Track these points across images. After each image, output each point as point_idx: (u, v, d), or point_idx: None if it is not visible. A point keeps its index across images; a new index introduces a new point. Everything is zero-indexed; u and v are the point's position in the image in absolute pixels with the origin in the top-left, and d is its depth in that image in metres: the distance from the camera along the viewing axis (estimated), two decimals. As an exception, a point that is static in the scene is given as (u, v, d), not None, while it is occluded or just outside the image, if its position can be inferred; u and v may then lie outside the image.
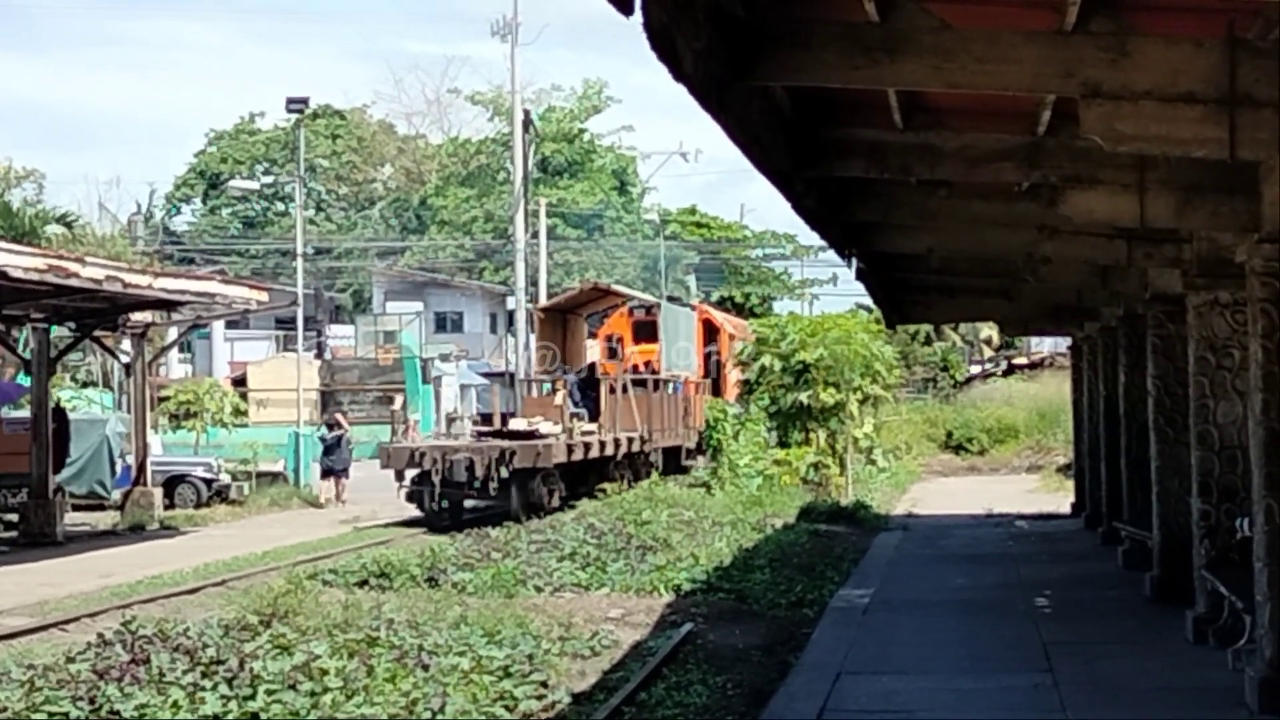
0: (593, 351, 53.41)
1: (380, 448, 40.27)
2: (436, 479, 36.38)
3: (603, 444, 40.28)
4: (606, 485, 38.04)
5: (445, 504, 36.98)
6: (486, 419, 42.32)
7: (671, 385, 46.62)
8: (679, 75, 8.41)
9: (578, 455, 38.54)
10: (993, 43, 10.00)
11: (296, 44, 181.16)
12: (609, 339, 53.22)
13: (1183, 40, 9.95)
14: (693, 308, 59.81)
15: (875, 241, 21.00)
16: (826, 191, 15.94)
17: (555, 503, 36.15)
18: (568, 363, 47.65)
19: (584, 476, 39.00)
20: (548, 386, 45.30)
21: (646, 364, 49.23)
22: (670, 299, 63.47)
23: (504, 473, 35.97)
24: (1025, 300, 27.29)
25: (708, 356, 55.39)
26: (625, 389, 42.94)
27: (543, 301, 57.63)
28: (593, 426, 40.95)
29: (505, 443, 36.96)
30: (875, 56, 10.11)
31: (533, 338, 54.43)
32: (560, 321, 49.89)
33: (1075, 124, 10.95)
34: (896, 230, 20.62)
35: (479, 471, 36.02)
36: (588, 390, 43.22)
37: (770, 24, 10.09)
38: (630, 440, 42.04)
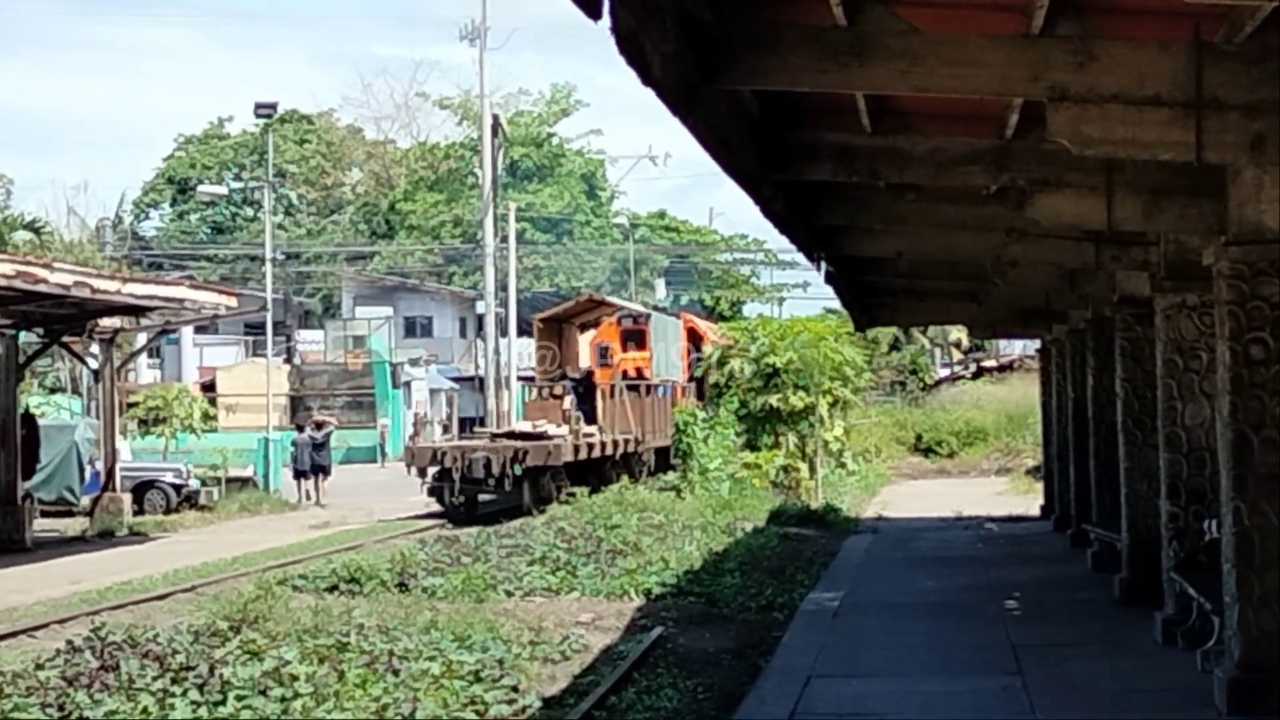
0: (584, 358, 55.85)
1: (405, 448, 45.59)
2: (457, 476, 39.58)
3: (603, 444, 43.72)
4: (614, 482, 40.49)
5: (463, 499, 40.15)
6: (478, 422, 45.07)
7: (661, 389, 49.76)
8: (647, 79, 8.41)
9: (583, 455, 41.83)
10: (960, 46, 10.04)
11: (264, 48, 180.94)
12: (599, 346, 54.96)
13: (1149, 44, 9.99)
14: (678, 316, 62.68)
15: (844, 245, 21.04)
16: (795, 195, 15.97)
17: (563, 498, 37.70)
18: (562, 368, 51.36)
19: (584, 474, 41.28)
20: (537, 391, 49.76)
21: (637, 370, 51.88)
22: (656, 309, 66.70)
23: (517, 470, 39.30)
24: (994, 303, 27.36)
25: (693, 363, 56.26)
26: (620, 393, 46.82)
27: (542, 313, 61.17)
28: (592, 429, 43.95)
29: (519, 443, 40.26)
30: (843, 60, 10.14)
31: (531, 345, 60.56)
32: (557, 330, 54.93)
33: (1043, 127, 10.98)
34: (865, 234, 20.66)
35: (495, 469, 39.29)
36: (585, 394, 46.31)
37: (738, 28, 10.11)
38: (626, 441, 45.45)
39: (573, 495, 36.30)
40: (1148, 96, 9.90)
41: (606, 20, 7.52)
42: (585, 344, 56.17)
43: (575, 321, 56.70)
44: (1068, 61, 9.81)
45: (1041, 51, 9.88)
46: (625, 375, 50.46)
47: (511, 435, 42.15)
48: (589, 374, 49.03)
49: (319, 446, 47.63)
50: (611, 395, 46.75)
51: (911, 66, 10.05)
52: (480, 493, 40.48)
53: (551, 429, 42.00)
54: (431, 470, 40.61)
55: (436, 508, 40.60)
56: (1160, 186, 13.33)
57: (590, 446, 42.59)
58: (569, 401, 45.46)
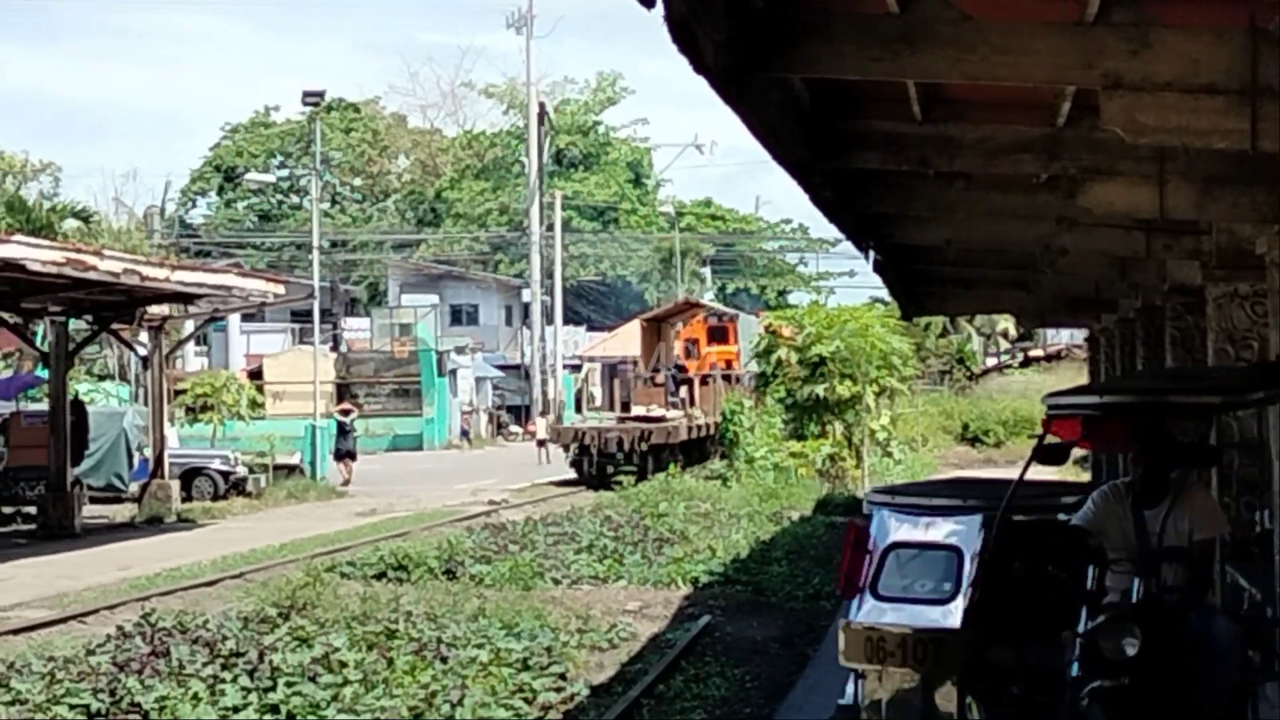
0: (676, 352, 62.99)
1: (550, 428, 56.64)
2: (594, 451, 47.87)
3: (704, 426, 51.02)
4: (710, 457, 49.80)
5: (595, 470, 46.92)
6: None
7: (746, 379, 55.01)
8: (699, 67, 8.39)
9: (692, 435, 50.29)
10: (1013, 34, 9.97)
11: (309, 36, 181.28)
12: (687, 341, 61.78)
13: (1203, 31, 9.91)
14: (757, 316, 67.36)
15: (892, 233, 20.96)
16: (844, 183, 15.91)
17: (679, 469, 43.35)
18: (660, 362, 59.30)
19: (689, 450, 49.64)
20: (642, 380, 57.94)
21: (726, 362, 58.72)
22: (741, 309, 74.66)
23: (643, 447, 47.23)
24: (1043, 292, 27.21)
25: None
26: (712, 382, 54.72)
27: (645, 314, 70.31)
28: (695, 411, 52.53)
29: (644, 425, 49.04)
30: (894, 48, 10.08)
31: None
32: (656, 329, 62.82)
33: (1095, 115, 10.91)
34: (914, 222, 20.56)
35: (625, 446, 47.43)
36: (679, 383, 55.12)
37: (789, 16, 10.07)
38: (715, 424, 50.07)
39: (619, 483, 36.97)
40: (1202, 84, 9.82)
41: (659, 8, 7.51)
42: (677, 340, 62.40)
43: (672, 321, 63.82)
44: (1122, 49, 9.72)
45: (1095, 39, 9.80)
46: (712, 367, 57.57)
47: (636, 419, 50.66)
48: (682, 366, 57.39)
49: (345, 432, 50.03)
50: (704, 384, 55.05)
51: (963, 54, 9.99)
52: (609, 464, 45.84)
53: (668, 413, 51.40)
54: (573, 447, 48.95)
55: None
56: (1213, 175, 13.24)
57: (695, 428, 50.55)
58: (685, 390, 54.29)
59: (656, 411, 51.67)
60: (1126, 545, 10.64)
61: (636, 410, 52.77)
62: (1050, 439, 11.14)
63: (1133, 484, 11.03)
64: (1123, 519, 10.77)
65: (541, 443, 58.54)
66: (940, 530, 11.48)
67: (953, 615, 11.03)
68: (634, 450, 47.18)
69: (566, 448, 49.76)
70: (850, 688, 11.62)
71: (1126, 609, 10.19)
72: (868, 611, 11.31)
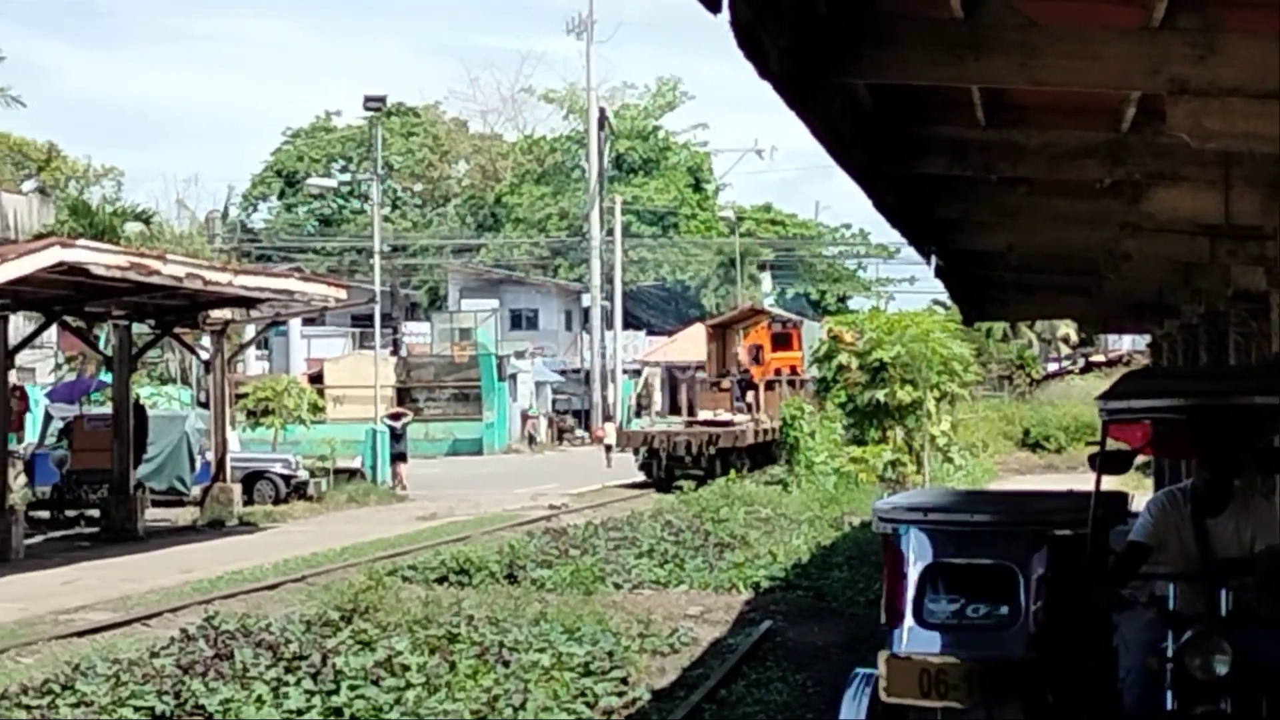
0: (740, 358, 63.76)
1: (619, 432, 56.14)
2: (663, 454, 48.90)
3: (770, 430, 51.21)
4: (776, 461, 49.17)
5: (664, 473, 47.72)
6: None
7: (811, 384, 54.99)
8: (764, 72, 8.40)
9: (758, 439, 50.85)
10: (1079, 40, 9.94)
11: (370, 41, 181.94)
12: (752, 347, 62.05)
13: (1270, 37, 9.87)
14: (819, 322, 68.76)
15: (955, 238, 20.89)
16: (906, 188, 15.87)
17: (745, 473, 45.54)
18: (726, 367, 61.44)
19: (755, 454, 50.29)
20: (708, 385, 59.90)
21: (791, 368, 59.13)
22: (799, 314, 74.99)
23: (711, 451, 48.24)
24: (1105, 298, 27.08)
25: None
26: (778, 387, 55.74)
27: (711, 320, 71.88)
28: (761, 415, 53.08)
29: (712, 429, 50.21)
30: (959, 53, 10.06)
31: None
32: (722, 334, 64.24)
33: (1160, 120, 10.87)
34: (976, 228, 20.50)
35: (694, 450, 48.58)
36: (745, 388, 56.42)
37: (853, 21, 10.06)
38: (780, 428, 50.18)
39: (679, 487, 37.07)
40: (1269, 89, 9.77)
41: (724, 14, 7.53)
42: (742, 346, 62.93)
43: (736, 327, 64.93)
44: (1188, 54, 9.69)
45: (1161, 44, 9.77)
46: (777, 373, 58.39)
47: (703, 423, 51.86)
48: (747, 371, 58.55)
49: (397, 436, 50.25)
50: (769, 389, 55.88)
51: (1029, 60, 9.96)
52: (678, 467, 47.07)
53: (735, 417, 52.29)
54: (641, 450, 50.24)
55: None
56: (1279, 180, 13.19)
57: (764, 432, 51.15)
58: (751, 395, 55.29)
59: (723, 416, 52.92)
60: (1186, 557, 10.00)
61: (703, 414, 54.18)
62: (1112, 445, 10.43)
63: (1194, 491, 10.28)
64: (1181, 528, 10.13)
65: (609, 447, 58.77)
66: (989, 548, 10.63)
67: (1016, 642, 10.25)
68: (702, 454, 48.32)
69: (636, 451, 50.93)
70: (852, 704, 11.01)
71: (1213, 624, 9.38)
72: (916, 641, 10.38)
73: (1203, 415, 10.48)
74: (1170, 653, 9.31)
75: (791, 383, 56.33)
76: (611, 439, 59.36)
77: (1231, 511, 10.11)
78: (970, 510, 11.37)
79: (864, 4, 10.25)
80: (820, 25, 9.71)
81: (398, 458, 49.61)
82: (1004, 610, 10.35)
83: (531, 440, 76.98)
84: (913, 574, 10.62)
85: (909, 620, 10.46)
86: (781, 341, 61.92)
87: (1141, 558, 9.95)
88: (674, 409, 62.37)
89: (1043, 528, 10.60)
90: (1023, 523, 10.85)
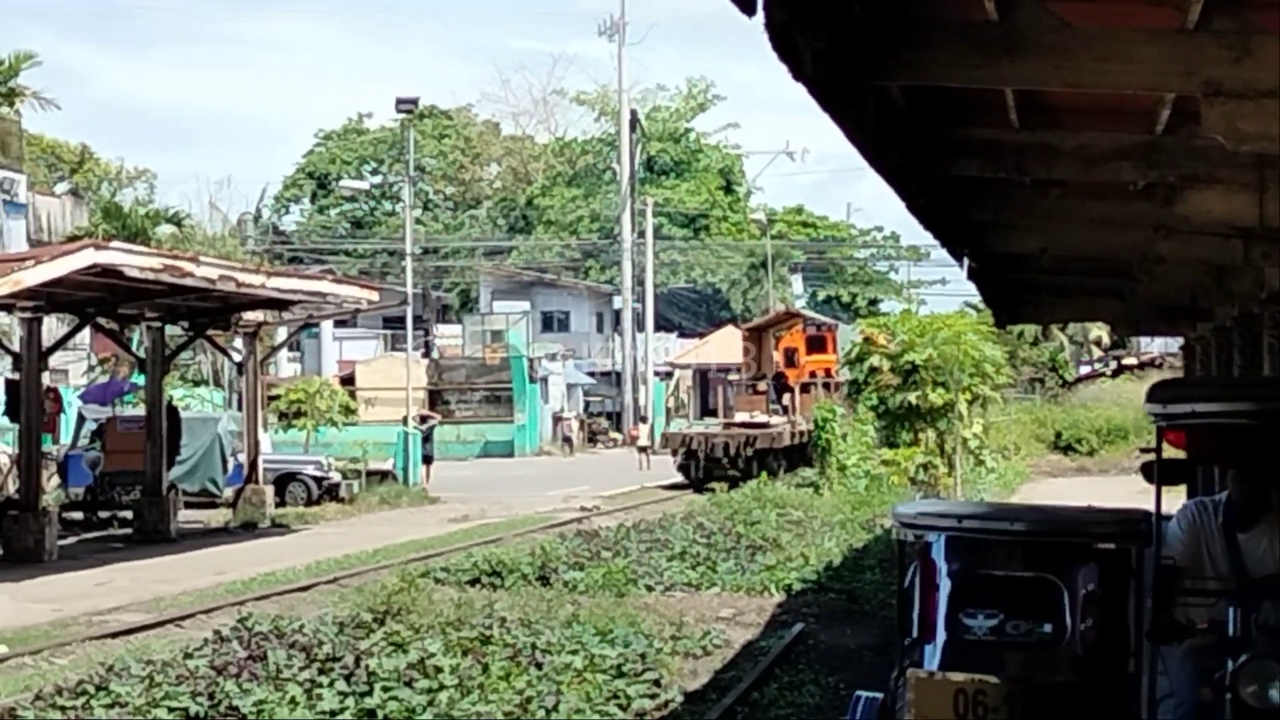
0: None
1: (661, 434, 58.16)
2: (702, 456, 49.50)
3: (805, 432, 50.89)
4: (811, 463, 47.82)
5: (701, 474, 48.10)
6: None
7: (843, 387, 55.16)
8: (799, 75, 8.39)
9: (794, 441, 51.47)
10: (1114, 41, 9.92)
11: (402, 43, 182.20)
12: (787, 350, 62.42)
13: (1305, 38, 9.86)
14: (850, 324, 68.97)
15: (987, 241, 20.86)
16: (939, 191, 15.85)
17: (782, 474, 46.82)
18: (761, 370, 61.08)
19: (790, 455, 50.87)
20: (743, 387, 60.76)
21: (826, 371, 59.21)
22: (834, 318, 75.99)
23: (748, 452, 48.97)
24: (1137, 300, 27.02)
25: None
26: (813, 389, 56.18)
27: (747, 323, 71.55)
28: (797, 417, 53.43)
29: (750, 431, 50.78)
30: (994, 56, 10.05)
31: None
32: (758, 338, 64.12)
33: (1194, 123, 10.85)
34: (1009, 230, 20.46)
35: (731, 451, 49.23)
36: (780, 391, 56.83)
37: (888, 23, 10.06)
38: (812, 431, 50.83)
39: (712, 489, 37.15)
40: (1305, 92, 9.77)
41: (759, 16, 7.52)
42: (777, 349, 62.97)
43: (771, 330, 64.72)
44: (1223, 56, 9.67)
45: (1196, 46, 9.75)
46: (812, 375, 58.94)
47: (741, 425, 52.49)
48: (782, 374, 58.82)
49: (424, 438, 51.06)
50: (804, 391, 56.39)
51: (1063, 62, 9.94)
52: (716, 468, 47.76)
53: (771, 419, 52.95)
54: (680, 451, 50.76)
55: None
56: (1314, 183, 13.16)
57: (800, 434, 51.45)
58: (787, 398, 55.84)
59: (760, 418, 53.47)
60: (1217, 573, 9.37)
61: (739, 416, 55.03)
62: (1168, 452, 9.72)
63: (1229, 504, 9.63)
64: (1211, 543, 9.52)
65: (644, 449, 58.84)
66: (1031, 561, 9.77)
67: (1063, 662, 9.54)
68: (739, 455, 49.00)
69: (674, 452, 51.55)
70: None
71: (1267, 649, 8.65)
72: (949, 659, 9.64)
73: (1264, 422, 9.49)
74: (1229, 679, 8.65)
75: (826, 385, 56.93)
76: (646, 440, 59.48)
77: (1263, 527, 9.51)
78: (1008, 520, 10.41)
79: (898, 6, 10.25)
80: (855, 27, 9.71)
81: (424, 459, 50.34)
82: (1047, 628, 9.58)
83: (567, 441, 77.04)
84: (944, 585, 9.91)
85: (941, 635, 9.77)
86: (816, 345, 62.46)
87: (1176, 580, 9.20)
88: (706, 411, 62.65)
89: (1087, 540, 9.93)
90: (1064, 534, 10.10)
